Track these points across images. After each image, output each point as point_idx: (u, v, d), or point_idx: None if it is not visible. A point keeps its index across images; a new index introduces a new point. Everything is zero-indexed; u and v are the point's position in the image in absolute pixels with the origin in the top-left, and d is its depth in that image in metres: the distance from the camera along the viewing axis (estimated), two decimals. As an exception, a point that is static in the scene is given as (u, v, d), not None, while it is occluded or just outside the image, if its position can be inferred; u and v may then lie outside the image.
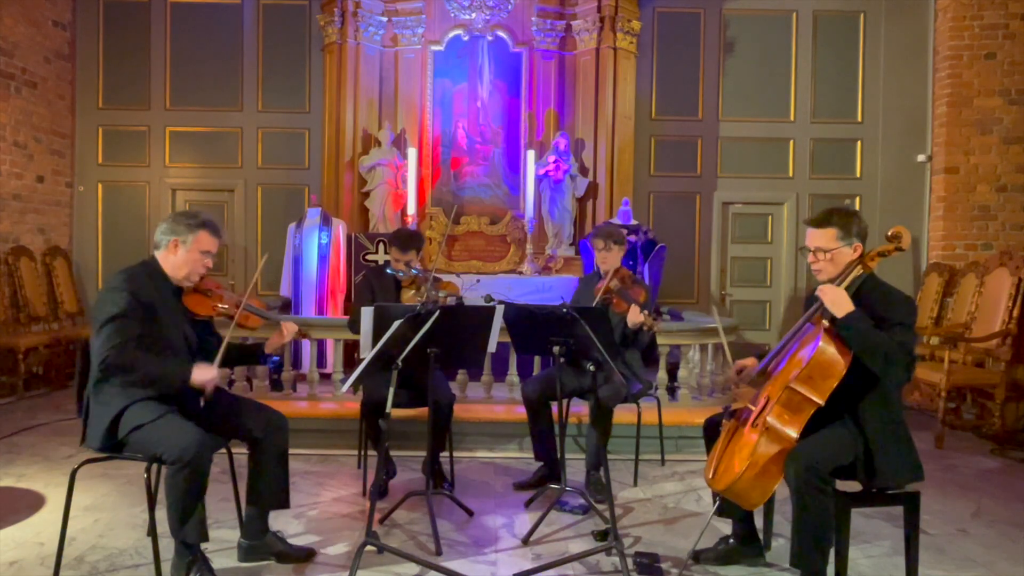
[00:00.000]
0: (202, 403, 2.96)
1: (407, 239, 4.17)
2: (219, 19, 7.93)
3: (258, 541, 3.13)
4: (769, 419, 2.72)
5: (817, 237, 2.87)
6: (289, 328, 3.25)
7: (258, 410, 3.13)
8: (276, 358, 3.41)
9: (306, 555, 3.18)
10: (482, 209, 7.55)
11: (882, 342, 2.65)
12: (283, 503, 3.16)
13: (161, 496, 2.80)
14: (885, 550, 3.39)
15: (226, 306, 3.09)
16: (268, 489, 3.10)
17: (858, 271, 2.81)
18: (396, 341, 3.11)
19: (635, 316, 3.78)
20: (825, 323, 2.77)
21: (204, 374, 2.86)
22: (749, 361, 3.11)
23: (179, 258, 2.98)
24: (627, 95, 7.45)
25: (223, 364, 3.08)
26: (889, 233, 2.84)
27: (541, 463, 4.25)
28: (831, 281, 2.82)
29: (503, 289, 6.16)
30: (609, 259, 4.16)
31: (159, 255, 3.01)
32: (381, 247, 6.68)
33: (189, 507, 2.76)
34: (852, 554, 2.97)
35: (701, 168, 8.00)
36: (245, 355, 3.31)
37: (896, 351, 2.64)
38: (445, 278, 4.46)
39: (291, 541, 3.24)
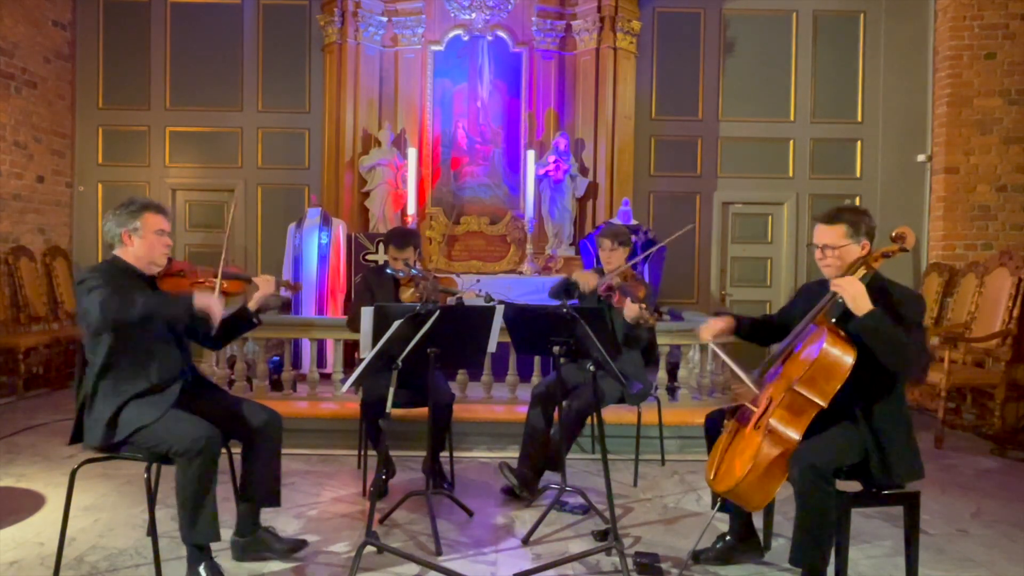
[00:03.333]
0: (212, 332, 3.01)
1: (403, 236, 4.19)
2: (219, 19, 7.92)
3: (250, 537, 3.16)
4: (772, 421, 2.71)
5: (826, 234, 2.85)
6: (266, 280, 3.21)
7: (253, 409, 3.14)
8: (276, 358, 3.41)
9: (298, 545, 3.22)
10: (482, 209, 7.54)
11: (903, 340, 2.62)
12: (274, 501, 3.18)
13: (162, 496, 2.79)
14: (885, 550, 3.39)
15: (203, 280, 3.05)
16: (260, 486, 3.12)
17: (862, 271, 2.80)
18: (396, 341, 3.11)
19: (631, 311, 3.75)
20: (831, 323, 2.75)
21: (207, 299, 2.82)
22: (723, 322, 3.14)
23: (137, 247, 2.96)
24: (627, 95, 7.45)
25: (219, 340, 3.26)
26: (893, 234, 2.82)
27: (522, 471, 3.97)
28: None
29: (503, 289, 6.15)
30: (614, 259, 4.21)
31: (118, 252, 2.99)
32: (381, 247, 6.67)
33: (201, 501, 2.77)
34: (852, 554, 2.97)
35: (701, 168, 8.00)
36: (235, 322, 3.23)
37: (916, 350, 2.64)
38: (443, 278, 4.46)
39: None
